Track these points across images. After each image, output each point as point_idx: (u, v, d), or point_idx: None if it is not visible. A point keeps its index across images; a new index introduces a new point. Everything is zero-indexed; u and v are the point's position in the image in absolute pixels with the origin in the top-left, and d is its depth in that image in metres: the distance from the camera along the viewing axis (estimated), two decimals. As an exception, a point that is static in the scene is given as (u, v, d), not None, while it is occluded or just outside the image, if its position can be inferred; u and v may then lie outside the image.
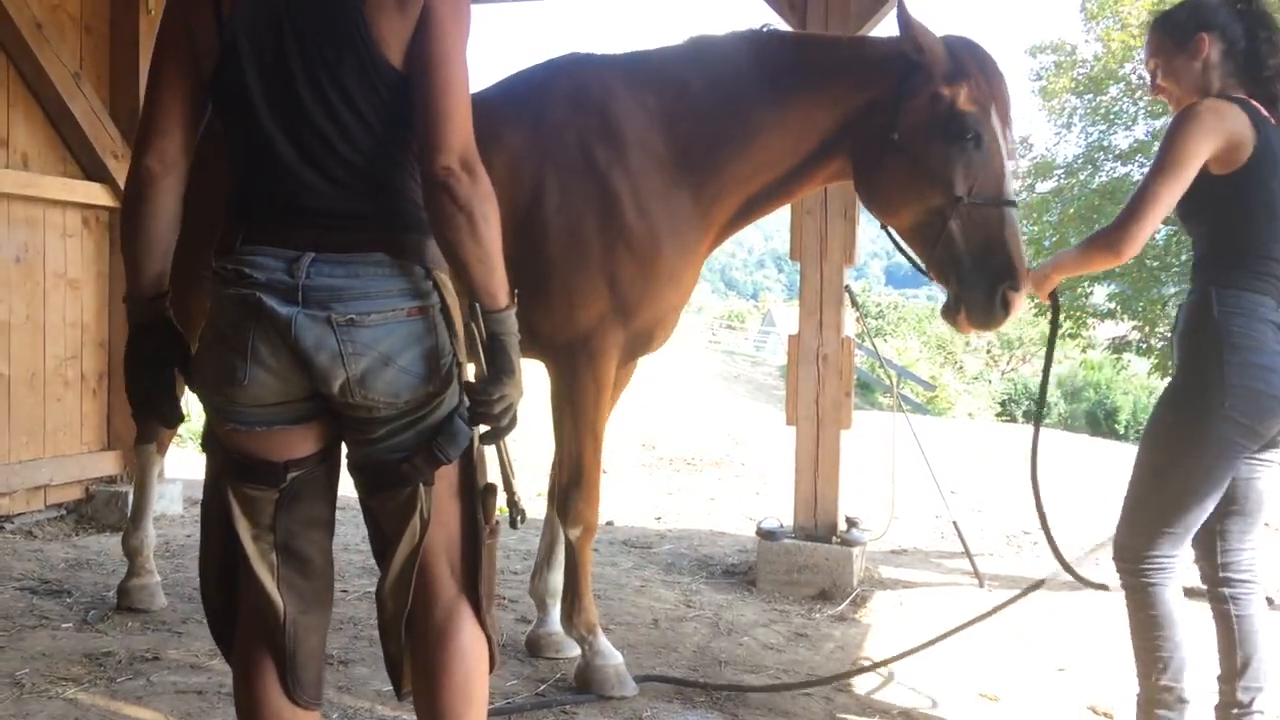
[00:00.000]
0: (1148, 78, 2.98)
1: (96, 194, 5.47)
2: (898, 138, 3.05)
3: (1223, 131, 2.68)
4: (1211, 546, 2.87)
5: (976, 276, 3.00)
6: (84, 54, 5.49)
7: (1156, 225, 2.78)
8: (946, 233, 3.01)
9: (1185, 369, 2.78)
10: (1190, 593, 4.78)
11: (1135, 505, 2.83)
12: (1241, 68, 2.82)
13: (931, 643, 3.57)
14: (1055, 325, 3.30)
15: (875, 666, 3.67)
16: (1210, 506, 2.78)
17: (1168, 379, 3.01)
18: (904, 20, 3.02)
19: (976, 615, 3.61)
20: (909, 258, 3.22)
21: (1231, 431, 2.68)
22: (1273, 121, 2.77)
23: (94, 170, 5.49)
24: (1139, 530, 2.81)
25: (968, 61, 3.04)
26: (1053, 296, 3.09)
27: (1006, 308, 3.00)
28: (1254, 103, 2.77)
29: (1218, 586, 2.87)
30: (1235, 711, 2.82)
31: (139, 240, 1.99)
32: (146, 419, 2.08)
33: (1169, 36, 2.87)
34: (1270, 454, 2.84)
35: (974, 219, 2.99)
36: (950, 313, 3.10)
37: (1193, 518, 2.77)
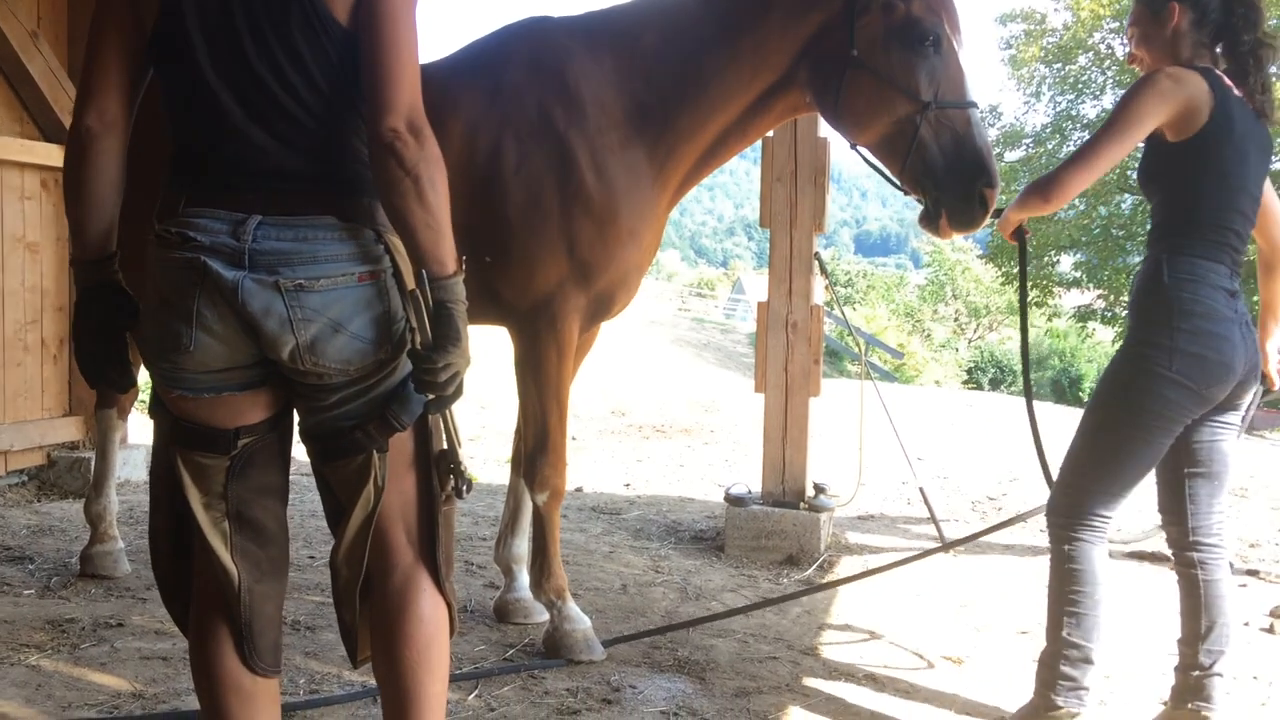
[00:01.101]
0: (1128, 46, 3.02)
1: (55, 156, 5.34)
2: (857, 54, 3.06)
3: (1179, 98, 2.71)
4: (1181, 511, 2.91)
5: (952, 179, 3.03)
6: (41, 13, 5.35)
7: (1091, 181, 2.84)
8: (918, 140, 3.04)
9: (1135, 332, 2.82)
10: (1145, 557, 4.89)
11: (1075, 462, 2.89)
12: (1215, 39, 2.86)
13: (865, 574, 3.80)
14: (1024, 258, 3.30)
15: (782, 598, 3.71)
16: (1147, 469, 2.83)
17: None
18: None
19: (920, 552, 3.80)
20: (887, 177, 3.24)
21: (1176, 394, 2.71)
22: (1236, 91, 2.80)
23: (52, 131, 5.38)
24: (1076, 487, 2.86)
25: None
26: (1018, 234, 3.09)
27: (985, 206, 3.04)
28: (1217, 72, 2.80)
29: (1186, 551, 2.91)
30: (1196, 674, 2.87)
31: (81, 201, 1.93)
32: (97, 385, 2.03)
33: (1146, 6, 2.93)
34: (1231, 416, 2.89)
35: (942, 123, 3.03)
36: (929, 220, 3.12)
37: (1129, 478, 2.82)
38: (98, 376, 2.00)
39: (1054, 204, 2.85)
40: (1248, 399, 2.91)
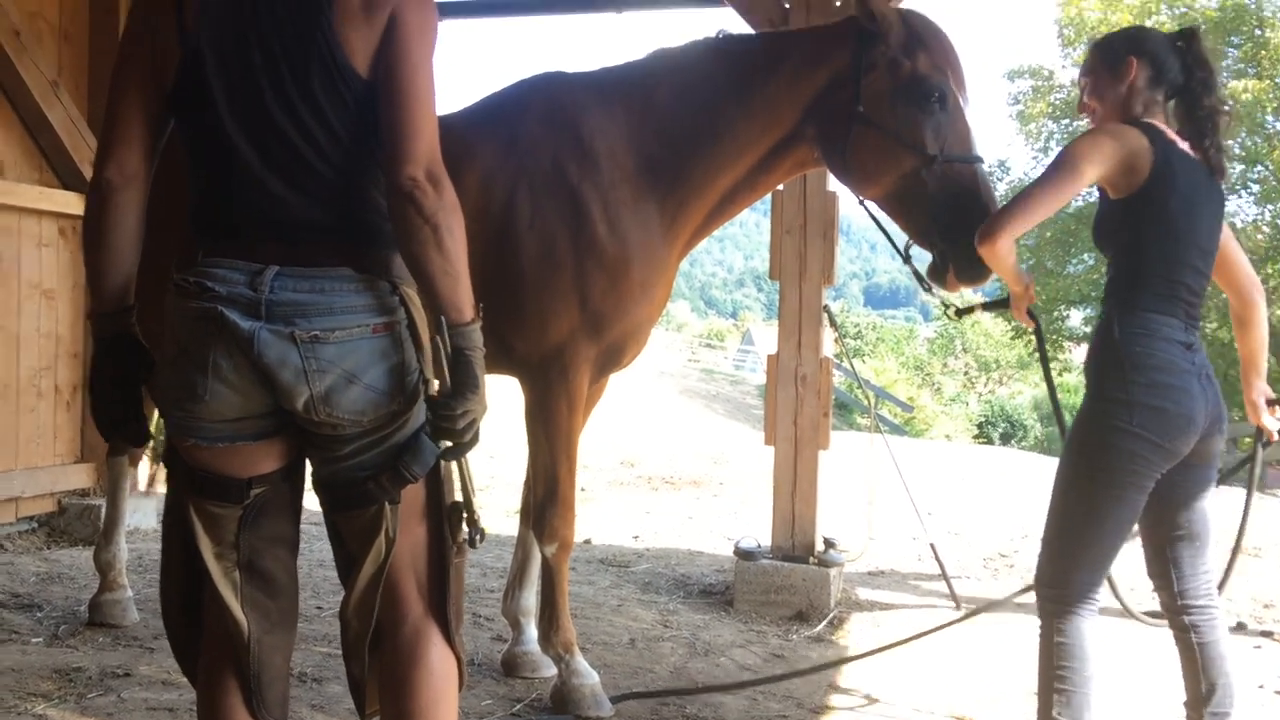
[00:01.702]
0: (1082, 95, 3.00)
1: (73, 203, 5.41)
2: (863, 110, 3.10)
3: (1118, 154, 2.70)
4: (1167, 575, 2.85)
5: (959, 233, 3.02)
6: (63, 62, 5.46)
7: (1025, 229, 2.82)
8: (925, 195, 3.05)
9: (1092, 390, 2.77)
10: (1151, 614, 4.82)
11: (1053, 531, 2.80)
12: (1170, 99, 2.85)
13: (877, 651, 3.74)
14: (1042, 342, 3.28)
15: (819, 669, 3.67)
16: (1127, 530, 2.74)
17: None
18: None
19: (936, 625, 3.72)
20: (891, 241, 3.27)
21: (1140, 448, 2.65)
22: (1181, 145, 2.77)
23: (71, 180, 5.45)
24: (1059, 554, 2.77)
25: (921, 28, 3.13)
26: (1031, 316, 3.08)
27: None
28: (1160, 126, 2.78)
29: (1178, 615, 2.85)
30: (1203, 737, 2.82)
31: (100, 253, 1.95)
32: (112, 438, 2.04)
33: (1103, 58, 2.91)
34: (1204, 472, 2.82)
35: (949, 177, 3.05)
36: (938, 273, 3.14)
37: (1108, 541, 2.73)
38: (113, 429, 2.01)
39: (986, 250, 2.79)
40: (1217, 453, 2.83)
